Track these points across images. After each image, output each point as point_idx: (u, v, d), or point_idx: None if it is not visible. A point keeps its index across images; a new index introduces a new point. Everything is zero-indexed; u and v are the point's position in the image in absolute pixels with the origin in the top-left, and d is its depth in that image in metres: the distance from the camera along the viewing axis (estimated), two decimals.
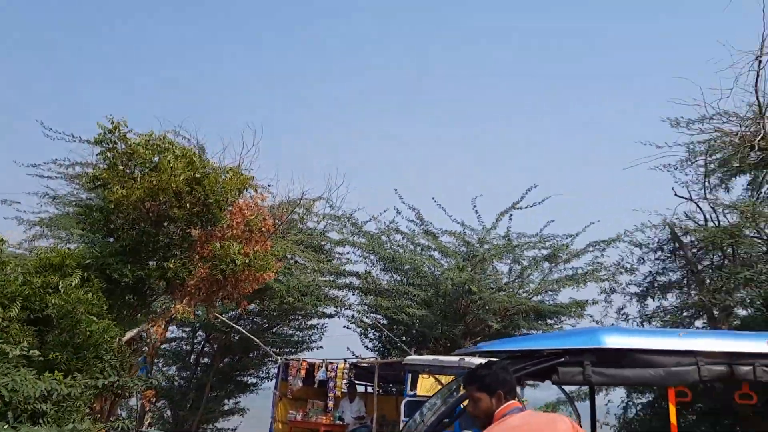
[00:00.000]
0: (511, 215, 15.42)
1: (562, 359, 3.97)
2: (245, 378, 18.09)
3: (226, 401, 17.72)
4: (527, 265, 15.21)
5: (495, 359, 4.00)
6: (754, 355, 4.00)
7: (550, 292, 14.89)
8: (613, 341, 3.98)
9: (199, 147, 14.66)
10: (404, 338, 15.24)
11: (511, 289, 14.81)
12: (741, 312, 12.60)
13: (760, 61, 11.81)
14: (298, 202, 15.30)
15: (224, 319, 14.13)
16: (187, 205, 9.14)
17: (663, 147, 12.52)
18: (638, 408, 12.97)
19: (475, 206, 15.63)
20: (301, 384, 12.96)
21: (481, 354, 5.13)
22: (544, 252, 15.19)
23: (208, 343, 17.26)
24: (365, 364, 13.23)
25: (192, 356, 17.42)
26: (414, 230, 15.88)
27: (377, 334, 15.97)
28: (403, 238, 15.95)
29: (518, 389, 11.39)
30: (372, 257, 15.55)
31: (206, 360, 17.47)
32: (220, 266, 9.42)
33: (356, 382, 13.75)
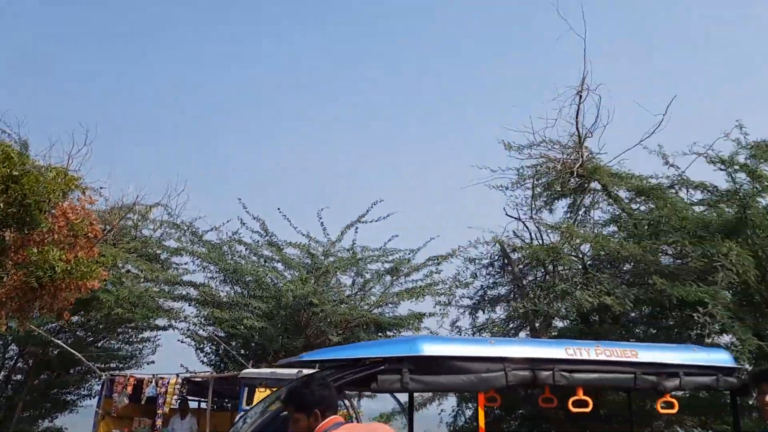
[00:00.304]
0: (356, 228, 15.69)
1: (382, 367, 4.06)
2: (64, 396, 16.70)
3: (40, 422, 16.28)
4: (370, 278, 15.53)
5: (315, 373, 4.00)
6: (553, 361, 4.36)
7: (390, 305, 15.26)
8: (430, 349, 4.13)
9: (20, 143, 13.44)
10: (243, 352, 14.87)
11: (353, 302, 15.00)
12: (559, 324, 13.70)
13: (580, 96, 13.16)
14: (132, 207, 14.49)
15: (41, 332, 12.93)
16: (1, 205, 8.32)
17: (497, 170, 13.44)
18: (467, 416, 13.54)
19: (320, 218, 15.76)
20: (127, 401, 12.19)
21: (304, 364, 5.12)
22: (387, 266, 15.61)
23: (22, 358, 15.73)
24: (199, 379, 12.73)
25: (2, 373, 15.79)
26: (258, 241, 15.65)
27: (214, 347, 15.45)
28: (245, 249, 15.64)
29: (354, 400, 11.52)
30: (212, 268, 15.06)
31: (19, 377, 15.93)
32: (37, 273, 8.61)
33: (189, 398, 13.21)
